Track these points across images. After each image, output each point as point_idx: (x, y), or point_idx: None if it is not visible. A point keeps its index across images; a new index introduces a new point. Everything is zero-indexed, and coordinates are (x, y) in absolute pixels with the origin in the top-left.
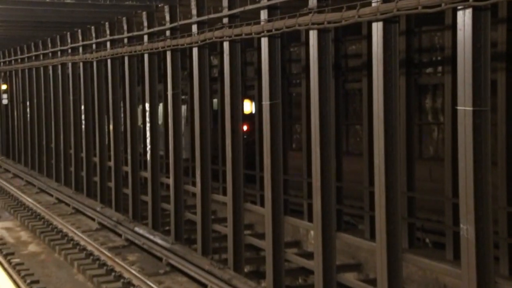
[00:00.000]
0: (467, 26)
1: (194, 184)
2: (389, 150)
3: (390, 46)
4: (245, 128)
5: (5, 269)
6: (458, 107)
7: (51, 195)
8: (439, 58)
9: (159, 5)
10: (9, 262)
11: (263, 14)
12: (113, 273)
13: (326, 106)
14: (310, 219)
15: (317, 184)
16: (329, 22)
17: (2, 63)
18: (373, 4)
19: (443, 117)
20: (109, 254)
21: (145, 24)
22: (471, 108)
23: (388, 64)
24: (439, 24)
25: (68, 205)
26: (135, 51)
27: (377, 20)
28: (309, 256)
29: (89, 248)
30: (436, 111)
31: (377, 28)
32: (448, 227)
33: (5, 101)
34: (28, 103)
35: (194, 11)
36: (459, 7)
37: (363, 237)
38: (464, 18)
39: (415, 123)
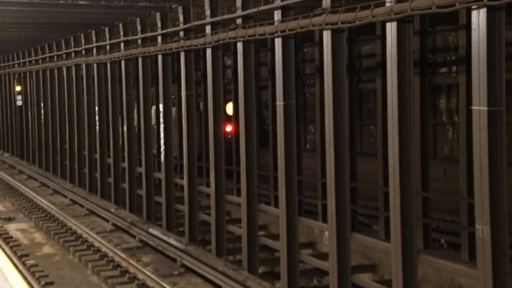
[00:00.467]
0: (481, 26)
1: (208, 185)
2: (404, 151)
3: (404, 46)
4: (230, 128)
5: (19, 271)
6: (473, 107)
7: (65, 197)
8: (453, 58)
9: (173, 6)
10: (24, 264)
11: (277, 15)
12: (127, 275)
13: (340, 107)
14: (325, 220)
15: (331, 184)
16: (343, 22)
17: (16, 65)
18: (387, 4)
19: (457, 117)
20: (123, 255)
21: (159, 25)
22: (486, 108)
23: (402, 64)
24: (453, 24)
25: (82, 206)
26: (149, 52)
27: (391, 20)
28: (324, 257)
29: (103, 249)
30: (451, 111)
31: (391, 28)
32: (464, 227)
33: (19, 103)
34: (42, 105)
35: (207, 12)
36: (473, 7)
37: (378, 238)
38: (479, 18)
39: (429, 123)
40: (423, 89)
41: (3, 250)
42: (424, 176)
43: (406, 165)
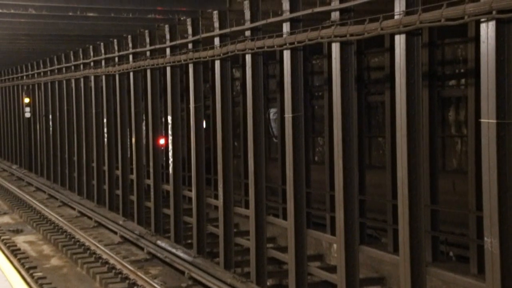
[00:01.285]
0: (490, 39)
1: (216, 197)
2: (412, 163)
3: (413, 58)
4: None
5: (27, 283)
6: (482, 120)
7: (74, 209)
8: (462, 70)
9: (182, 18)
10: (32, 276)
11: (286, 27)
12: (135, 287)
13: (349, 119)
14: (333, 232)
15: (339, 197)
16: (351, 35)
17: (25, 77)
18: (396, 17)
19: (466, 130)
20: (131, 268)
21: (168, 37)
22: (494, 121)
23: (411, 77)
24: (462, 37)
25: (90, 218)
26: (157, 64)
27: (400, 33)
28: (332, 269)
29: (112, 261)
30: (460, 123)
31: (400, 41)
32: (472, 240)
33: (27, 115)
34: (50, 117)
35: (216, 24)
36: (482, 20)
37: (386, 251)
38: (488, 31)
39: (438, 136)
40: (431, 102)
41: (11, 262)
42: (432, 189)
43: (415, 177)
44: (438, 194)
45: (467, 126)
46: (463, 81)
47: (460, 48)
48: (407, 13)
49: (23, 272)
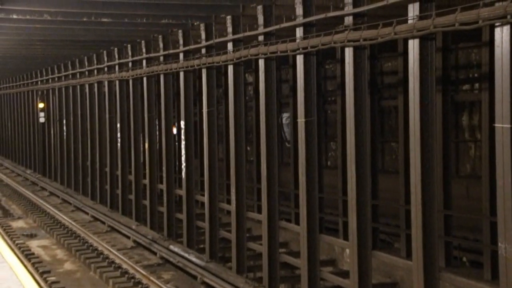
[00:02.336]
0: (505, 43)
1: (228, 201)
2: (426, 168)
3: (427, 63)
4: None
5: None
6: (496, 125)
7: (87, 213)
8: (476, 75)
9: (195, 23)
10: (45, 280)
11: (299, 32)
12: None
13: (362, 124)
14: (346, 237)
15: (352, 202)
16: (365, 39)
17: (39, 82)
18: (410, 21)
19: (480, 135)
20: (144, 272)
21: (181, 42)
22: (509, 126)
23: (425, 81)
24: (476, 41)
25: (103, 223)
26: (170, 69)
27: (413, 37)
28: (345, 274)
29: (124, 266)
30: (473, 128)
31: (413, 45)
32: (486, 245)
33: (42, 119)
34: (64, 121)
35: (229, 29)
36: (496, 24)
37: (399, 256)
38: (502, 35)
39: (452, 141)
40: (445, 106)
41: (25, 267)
42: (446, 194)
43: (428, 182)
44: (452, 199)
45: (481, 131)
46: (477, 85)
47: (474, 53)
48: (421, 17)
49: (37, 277)
